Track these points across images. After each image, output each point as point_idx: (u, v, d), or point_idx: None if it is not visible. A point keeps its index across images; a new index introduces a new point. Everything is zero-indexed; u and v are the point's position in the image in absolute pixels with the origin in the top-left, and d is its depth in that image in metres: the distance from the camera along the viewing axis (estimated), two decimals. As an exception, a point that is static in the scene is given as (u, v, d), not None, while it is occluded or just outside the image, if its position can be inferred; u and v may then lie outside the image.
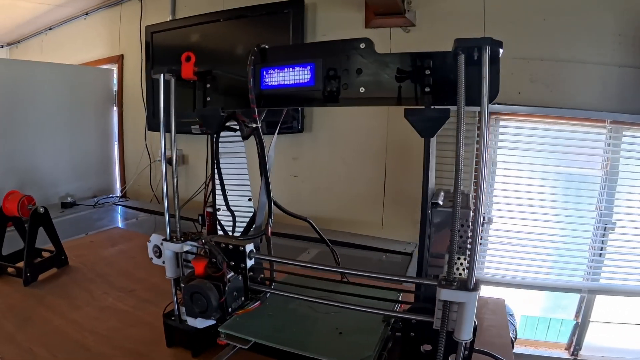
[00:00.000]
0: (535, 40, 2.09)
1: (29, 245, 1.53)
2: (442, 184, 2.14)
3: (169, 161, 3.00)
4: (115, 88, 3.53)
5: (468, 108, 0.71)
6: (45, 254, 1.66)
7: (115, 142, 3.59)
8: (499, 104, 2.14)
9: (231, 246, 0.95)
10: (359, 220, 2.49)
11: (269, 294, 1.05)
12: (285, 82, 0.89)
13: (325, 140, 2.56)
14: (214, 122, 1.01)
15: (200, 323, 0.94)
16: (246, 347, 0.94)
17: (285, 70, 0.88)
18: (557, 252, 2.31)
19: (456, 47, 0.71)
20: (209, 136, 1.08)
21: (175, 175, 1.02)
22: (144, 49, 3.10)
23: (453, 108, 2.21)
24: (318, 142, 2.58)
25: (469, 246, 0.79)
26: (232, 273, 0.93)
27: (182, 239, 1.02)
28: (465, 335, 0.74)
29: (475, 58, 0.71)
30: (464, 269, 0.80)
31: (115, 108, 3.56)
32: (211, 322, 0.95)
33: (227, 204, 1.14)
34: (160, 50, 2.98)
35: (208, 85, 1.02)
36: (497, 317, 1.28)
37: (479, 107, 0.69)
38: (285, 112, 1.15)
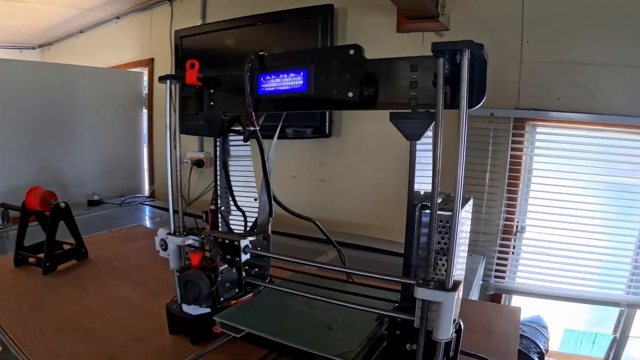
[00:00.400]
0: (576, 43, 2.00)
1: (49, 237, 1.63)
2: (472, 191, 2.12)
3: (196, 163, 3.10)
4: (146, 91, 3.64)
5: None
6: (66, 247, 1.76)
7: (145, 144, 3.70)
8: (535, 109, 2.08)
9: (227, 241, 1.01)
10: (385, 226, 2.48)
11: (263, 287, 1.10)
12: (281, 88, 0.94)
13: (352, 145, 2.56)
14: (216, 125, 1.08)
15: (193, 310, 1.01)
16: (239, 336, 1.00)
17: (281, 76, 0.93)
18: (596, 264, 2.18)
19: (433, 51, 0.73)
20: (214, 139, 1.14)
21: (178, 175, 1.08)
22: (174, 52, 3.19)
23: (484, 113, 2.15)
24: (345, 147, 2.58)
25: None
26: (226, 265, 0.99)
27: (185, 233, 1.09)
28: (442, 334, 0.76)
29: (458, 61, 0.72)
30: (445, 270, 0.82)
31: (145, 110, 3.66)
32: (205, 310, 1.01)
33: (235, 203, 1.21)
34: (189, 54, 3.05)
35: (212, 91, 1.08)
36: (509, 325, 1.27)
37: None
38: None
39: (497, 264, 2.23)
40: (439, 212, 0.76)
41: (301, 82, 0.91)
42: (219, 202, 1.16)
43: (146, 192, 3.59)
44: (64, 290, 1.49)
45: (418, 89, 0.81)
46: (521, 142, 2.15)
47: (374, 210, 2.52)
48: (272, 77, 0.95)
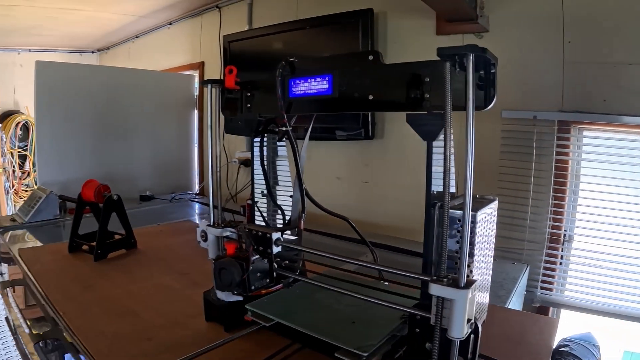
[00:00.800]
0: (620, 43, 1.90)
1: (101, 227, 1.77)
2: (516, 196, 2.03)
3: (243, 163, 3.19)
4: (196, 93, 3.78)
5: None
6: (117, 237, 1.89)
7: (195, 144, 3.84)
8: (580, 112, 1.98)
9: (260, 233, 1.08)
10: None
11: (292, 279, 1.17)
12: (309, 91, 1.01)
13: (394, 147, 2.55)
14: (252, 125, 1.15)
15: (227, 297, 1.08)
16: (268, 325, 1.07)
17: (309, 80, 1.00)
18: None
19: (439, 55, 0.77)
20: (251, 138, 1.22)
21: (217, 171, 1.16)
22: (222, 56, 3.31)
23: (527, 115, 2.07)
24: (387, 149, 2.58)
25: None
26: (258, 256, 1.06)
27: (223, 225, 1.17)
28: (455, 332, 0.78)
29: (465, 65, 0.76)
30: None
31: (196, 111, 3.81)
32: (237, 297, 1.09)
33: (272, 199, 1.28)
34: (236, 58, 3.17)
35: (248, 94, 1.16)
36: (542, 337, 1.24)
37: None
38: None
39: (544, 275, 2.12)
40: (453, 211, 0.79)
41: (327, 85, 0.98)
42: (255, 197, 1.24)
43: (195, 190, 3.73)
44: (112, 275, 1.61)
45: (431, 92, 0.86)
46: (567, 147, 2.06)
47: (415, 214, 2.46)
48: (301, 81, 1.02)
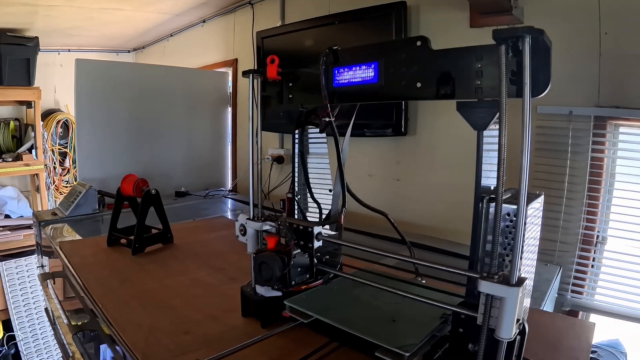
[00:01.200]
0: None
1: (139, 221, 1.78)
2: (550, 195, 1.95)
3: (276, 160, 3.19)
4: (230, 90, 3.80)
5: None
6: (154, 231, 1.91)
7: (229, 142, 3.86)
8: (616, 107, 1.88)
9: (301, 227, 1.05)
10: (461, 230, 2.36)
11: (332, 275, 1.13)
12: (354, 80, 0.97)
13: (427, 144, 2.49)
14: (294, 117, 1.13)
15: (266, 292, 1.06)
16: (306, 322, 1.04)
17: (353, 69, 0.97)
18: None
19: (494, 39, 0.73)
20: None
21: (258, 163, 1.14)
22: (256, 52, 3.30)
23: (562, 111, 1.98)
24: (420, 145, 2.52)
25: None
26: (299, 250, 1.03)
27: (263, 219, 1.15)
28: (504, 333, 0.74)
29: (520, 48, 0.71)
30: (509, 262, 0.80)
31: (229, 109, 3.82)
32: (276, 293, 1.06)
33: (311, 194, 1.26)
34: (270, 54, 3.13)
35: (290, 84, 1.13)
36: (580, 341, 1.20)
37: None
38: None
39: (575, 277, 2.02)
40: (504, 205, 0.75)
41: (372, 74, 0.94)
42: (295, 191, 1.21)
43: (229, 186, 3.75)
44: (149, 269, 1.62)
45: (483, 78, 0.81)
46: (602, 144, 1.95)
47: (449, 213, 2.41)
48: (346, 70, 0.98)
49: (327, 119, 1.06)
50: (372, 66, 0.94)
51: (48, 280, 1.95)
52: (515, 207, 0.75)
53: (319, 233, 1.06)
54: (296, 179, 1.21)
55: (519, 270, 0.73)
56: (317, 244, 1.05)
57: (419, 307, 1.03)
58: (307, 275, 1.07)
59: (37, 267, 2.67)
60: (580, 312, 2.06)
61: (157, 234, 1.89)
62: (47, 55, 4.79)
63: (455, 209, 2.36)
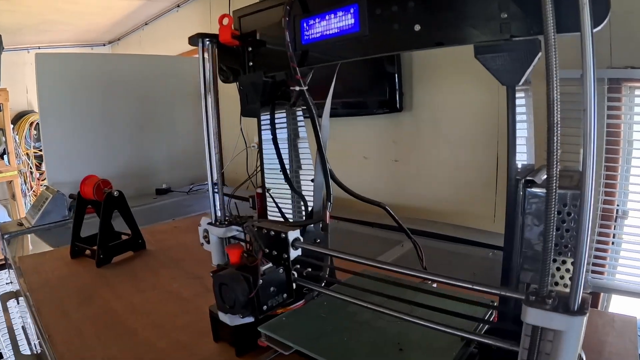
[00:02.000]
0: None
1: (101, 227, 1.56)
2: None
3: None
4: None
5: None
6: (124, 237, 1.68)
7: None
8: (633, 67, 1.69)
9: (272, 232, 0.81)
10: (467, 211, 2.17)
11: (317, 293, 0.89)
12: (328, 32, 0.72)
13: (427, 120, 2.26)
14: (257, 89, 0.88)
15: (231, 320, 0.81)
16: (287, 353, 0.80)
17: (327, 17, 0.71)
18: None
19: None
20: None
21: (216, 153, 0.91)
22: (235, 33, 3.08)
23: (573, 75, 1.76)
24: (419, 122, 2.29)
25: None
26: (270, 264, 0.78)
27: (227, 223, 0.91)
28: None
29: None
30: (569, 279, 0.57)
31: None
32: (245, 320, 0.81)
33: (290, 185, 1.02)
34: (250, 35, 2.92)
35: (250, 49, 0.89)
36: (624, 342, 0.97)
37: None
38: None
39: (595, 257, 1.82)
40: (560, 191, 0.50)
41: (352, 21, 0.69)
42: (266, 184, 0.97)
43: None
44: (114, 284, 1.42)
45: (511, 10, 0.55)
46: (619, 108, 1.77)
47: (453, 194, 2.21)
48: (317, 20, 0.73)
49: (298, 88, 0.80)
50: (352, 10, 0.68)
51: (9, 302, 1.73)
52: (570, 192, 0.51)
53: (296, 239, 0.81)
54: (267, 170, 0.97)
55: (582, 286, 0.49)
56: (294, 253, 0.80)
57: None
58: (285, 295, 0.81)
59: (7, 283, 2.44)
60: (602, 294, 1.88)
61: (125, 241, 1.67)
62: (17, 54, 4.58)
63: (460, 190, 2.17)
